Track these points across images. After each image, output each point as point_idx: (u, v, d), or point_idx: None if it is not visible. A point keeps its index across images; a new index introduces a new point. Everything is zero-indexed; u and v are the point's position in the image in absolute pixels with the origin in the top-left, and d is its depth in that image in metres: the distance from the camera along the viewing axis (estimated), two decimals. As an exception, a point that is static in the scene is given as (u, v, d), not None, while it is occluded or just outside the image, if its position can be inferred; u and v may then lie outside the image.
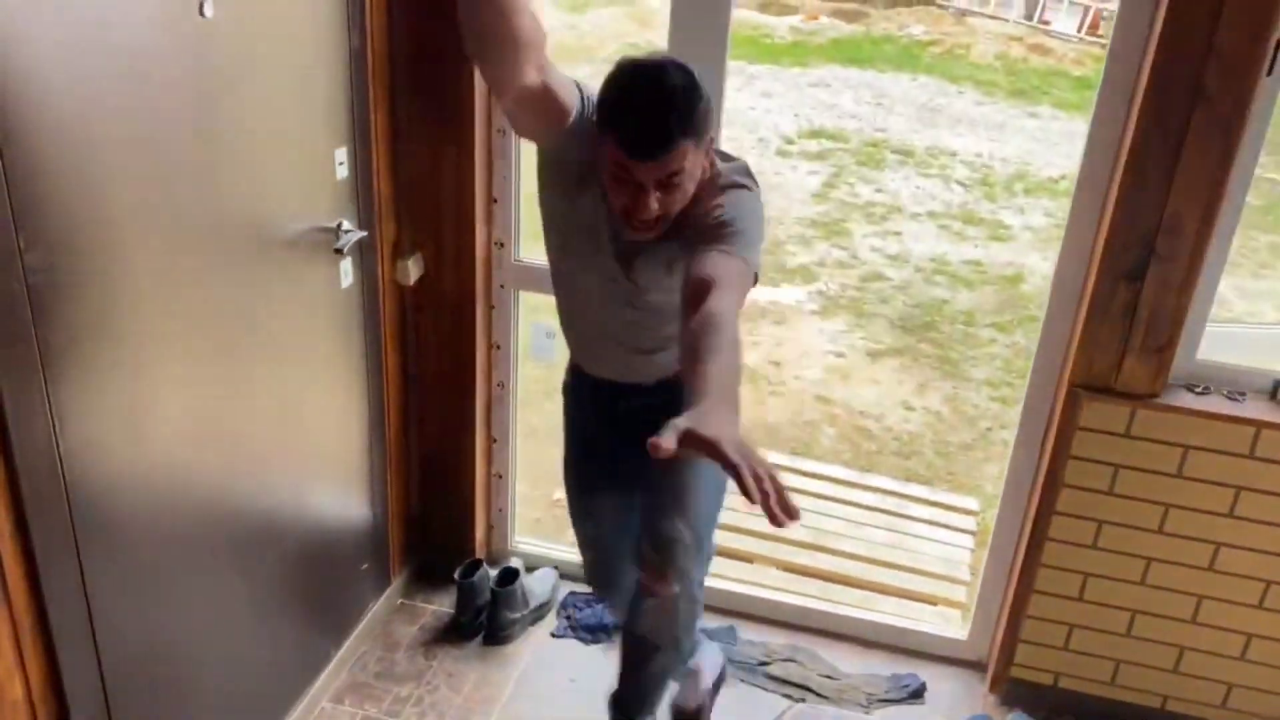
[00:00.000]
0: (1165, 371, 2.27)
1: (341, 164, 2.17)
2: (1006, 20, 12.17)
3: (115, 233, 1.63)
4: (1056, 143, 8.72)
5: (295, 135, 2.04)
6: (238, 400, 2.01)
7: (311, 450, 2.32)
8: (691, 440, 1.16)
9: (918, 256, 6.40)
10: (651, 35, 10.45)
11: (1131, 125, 2.11)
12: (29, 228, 1.44)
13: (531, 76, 1.54)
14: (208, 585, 2.01)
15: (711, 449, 1.15)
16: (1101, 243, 2.20)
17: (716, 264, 1.53)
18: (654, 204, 1.58)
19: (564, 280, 1.94)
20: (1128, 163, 2.12)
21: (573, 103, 1.64)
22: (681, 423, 1.17)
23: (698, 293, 1.49)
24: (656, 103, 1.52)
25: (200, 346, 1.87)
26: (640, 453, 1.90)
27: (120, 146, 1.60)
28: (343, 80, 2.14)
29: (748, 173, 1.74)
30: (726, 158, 1.75)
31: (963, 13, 12.51)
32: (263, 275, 2.02)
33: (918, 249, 6.51)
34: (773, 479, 1.12)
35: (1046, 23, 12.06)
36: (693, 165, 1.58)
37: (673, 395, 1.84)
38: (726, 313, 1.44)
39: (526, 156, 2.32)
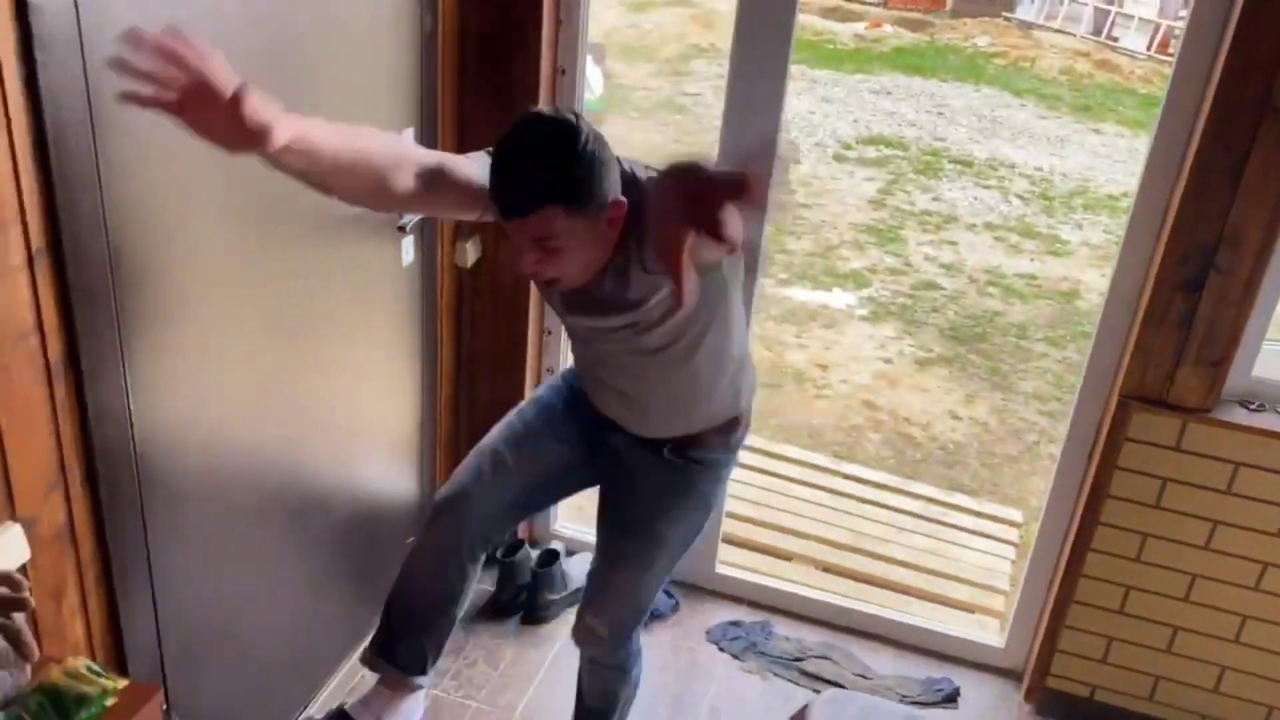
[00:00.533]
0: (1219, 386, 2.25)
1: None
2: (1074, 35, 12.02)
3: (188, 204, 1.68)
4: (1120, 160, 8.60)
5: (367, 113, 2.10)
6: (297, 372, 2.06)
7: (365, 424, 2.38)
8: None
9: (972, 267, 6.35)
10: (714, 37, 10.47)
11: (1197, 136, 2.09)
12: (112, 196, 1.51)
13: (404, 183, 1.51)
14: (260, 549, 2.07)
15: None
16: (1160, 252, 2.19)
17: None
18: (531, 263, 1.52)
19: (570, 332, 1.90)
20: (1191, 174, 2.11)
21: (476, 178, 1.59)
22: None
23: None
24: (523, 165, 1.47)
25: (264, 318, 1.93)
26: (615, 494, 1.96)
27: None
28: (414, 62, 2.19)
29: None
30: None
31: (1029, 25, 12.37)
32: (327, 250, 2.08)
33: (972, 259, 6.46)
34: None
35: (1115, 39, 11.89)
36: (572, 229, 1.49)
37: (677, 458, 1.87)
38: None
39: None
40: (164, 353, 1.69)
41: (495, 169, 1.50)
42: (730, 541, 3.17)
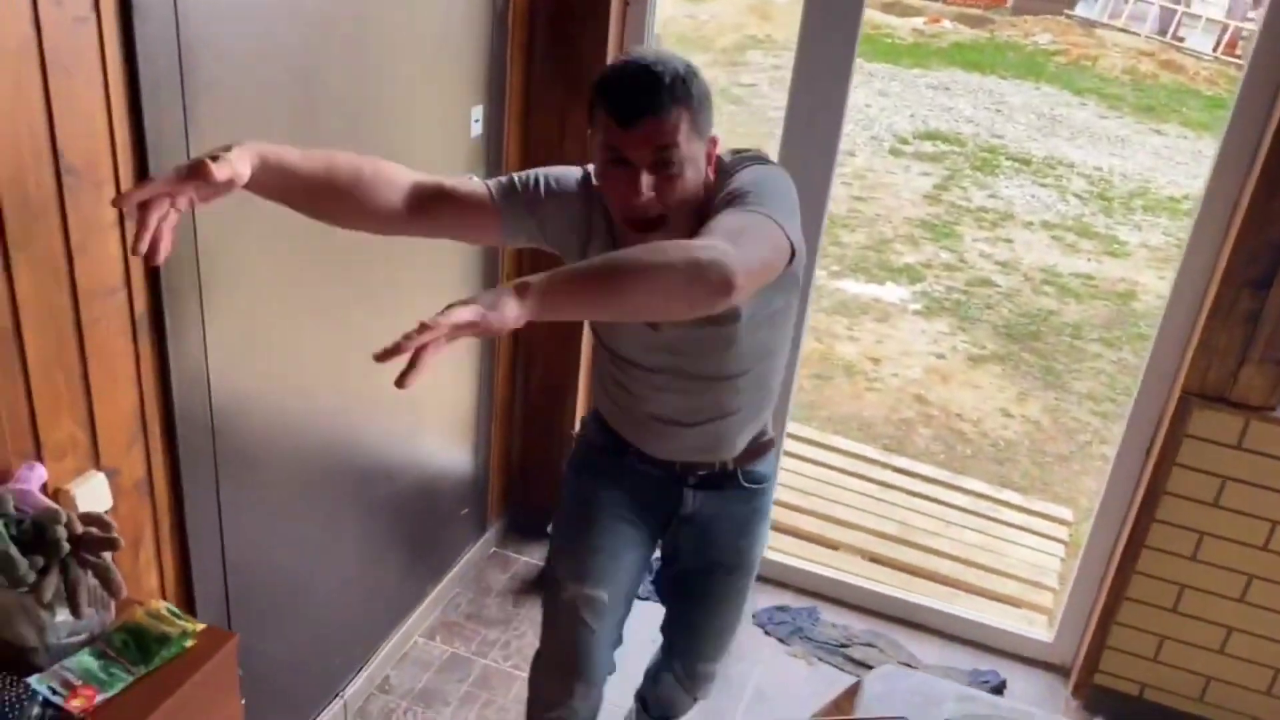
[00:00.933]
0: (1284, 385, 2.22)
1: (477, 121, 2.26)
2: (1138, 34, 11.80)
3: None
4: (1182, 162, 8.45)
5: (438, 91, 2.14)
6: (362, 346, 2.10)
7: (425, 397, 2.43)
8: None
9: (1027, 265, 6.28)
10: (771, 28, 10.44)
11: (1268, 136, 2.07)
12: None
13: (393, 201, 1.48)
14: (323, 513, 2.12)
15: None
16: (1229, 250, 2.16)
17: (717, 220, 1.36)
18: (648, 187, 1.41)
19: (604, 353, 1.75)
20: (1262, 172, 2.08)
21: (479, 189, 1.55)
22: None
23: None
24: (649, 71, 1.41)
25: (332, 289, 1.98)
26: (690, 575, 1.89)
27: (279, 88, 1.70)
28: (485, 40, 2.22)
29: (761, 154, 1.58)
30: (740, 152, 1.59)
31: (1092, 24, 12.17)
32: (396, 221, 2.12)
33: (1028, 258, 6.39)
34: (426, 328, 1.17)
35: (1180, 39, 11.66)
36: (689, 150, 1.43)
37: (735, 503, 1.79)
38: (684, 242, 1.28)
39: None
40: (239, 317, 1.75)
41: (615, 82, 1.42)
42: (777, 529, 3.18)
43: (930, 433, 4.39)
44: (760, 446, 1.79)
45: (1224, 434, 2.26)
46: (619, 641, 1.91)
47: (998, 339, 5.36)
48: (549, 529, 2.03)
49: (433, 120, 2.16)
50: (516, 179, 1.58)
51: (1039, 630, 2.84)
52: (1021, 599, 3.13)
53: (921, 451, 4.21)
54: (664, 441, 1.74)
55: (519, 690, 2.46)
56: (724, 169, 1.52)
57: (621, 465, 1.79)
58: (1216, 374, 2.24)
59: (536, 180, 1.58)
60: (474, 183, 1.57)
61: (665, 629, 2.02)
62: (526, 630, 2.65)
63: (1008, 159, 8.13)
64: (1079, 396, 4.84)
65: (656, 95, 1.39)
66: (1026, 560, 3.34)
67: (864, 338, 5.19)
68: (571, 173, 1.61)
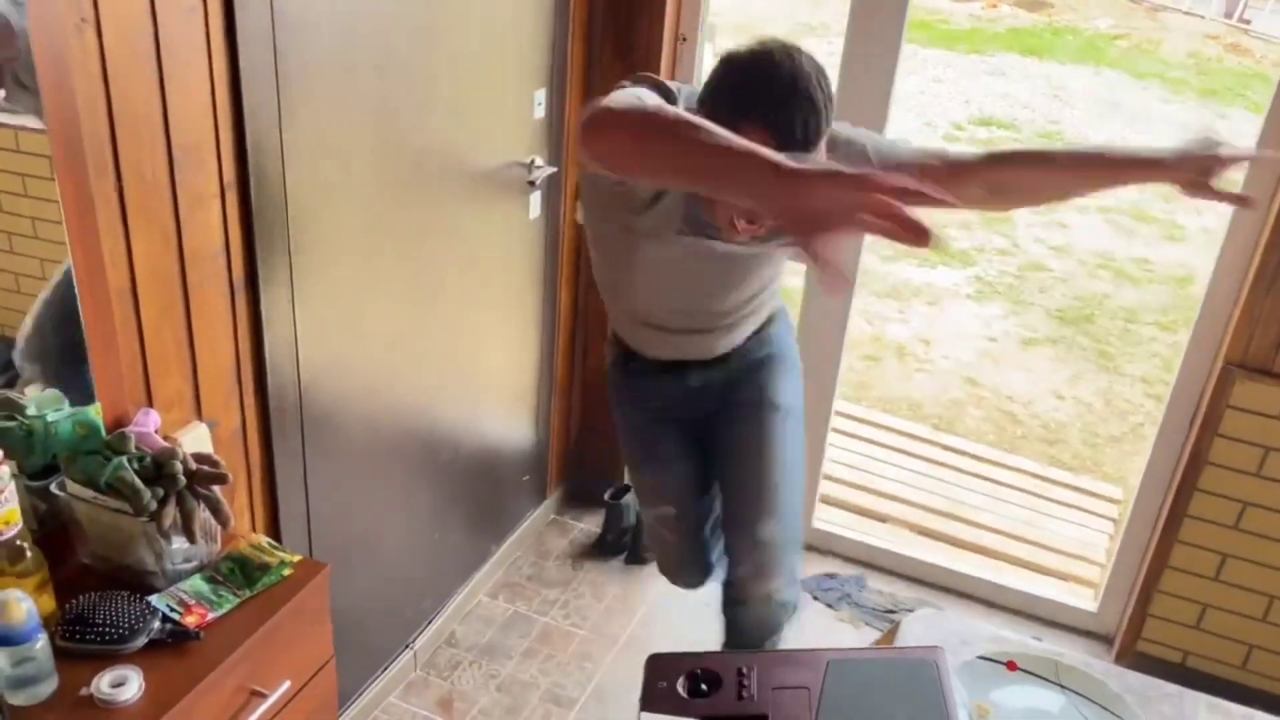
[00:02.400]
0: (1327, 356, 2.26)
1: (540, 104, 2.39)
2: (1203, 17, 11.57)
3: (349, 156, 1.87)
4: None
5: (503, 75, 2.26)
6: (433, 318, 2.25)
7: (490, 369, 2.56)
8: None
9: (1082, 250, 6.26)
10: (825, 15, 10.43)
11: (1313, 106, 2.11)
12: (289, 140, 1.69)
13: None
14: (395, 474, 2.27)
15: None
16: (1273, 220, 2.21)
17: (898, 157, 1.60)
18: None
19: (627, 272, 1.83)
20: (1306, 144, 2.13)
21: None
22: None
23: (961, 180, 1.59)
24: (808, 93, 1.39)
25: (406, 263, 2.11)
26: (722, 427, 1.99)
27: (359, 73, 1.84)
28: (548, 25, 2.34)
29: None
30: None
31: (1155, 7, 11.96)
32: (463, 204, 2.25)
33: (1083, 242, 6.37)
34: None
35: (1247, 22, 11.40)
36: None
37: (744, 360, 1.95)
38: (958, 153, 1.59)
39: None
40: (325, 285, 1.89)
41: (775, 106, 1.38)
42: (826, 502, 3.26)
43: (980, 413, 4.44)
44: (753, 335, 1.94)
45: (1267, 405, 2.31)
46: (715, 532, 2.11)
47: (1050, 323, 5.37)
48: None
49: (498, 103, 2.28)
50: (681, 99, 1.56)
51: (1084, 601, 2.90)
52: (1068, 573, 3.18)
53: (971, 431, 4.25)
54: (657, 345, 1.92)
55: (577, 646, 2.60)
56: None
57: (634, 376, 2.01)
58: (1259, 345, 2.29)
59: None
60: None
61: (723, 510, 2.04)
62: (585, 591, 2.78)
63: (1065, 144, 8.06)
64: (1132, 379, 4.85)
65: (818, 130, 1.41)
66: (1074, 537, 3.38)
67: (915, 321, 5.24)
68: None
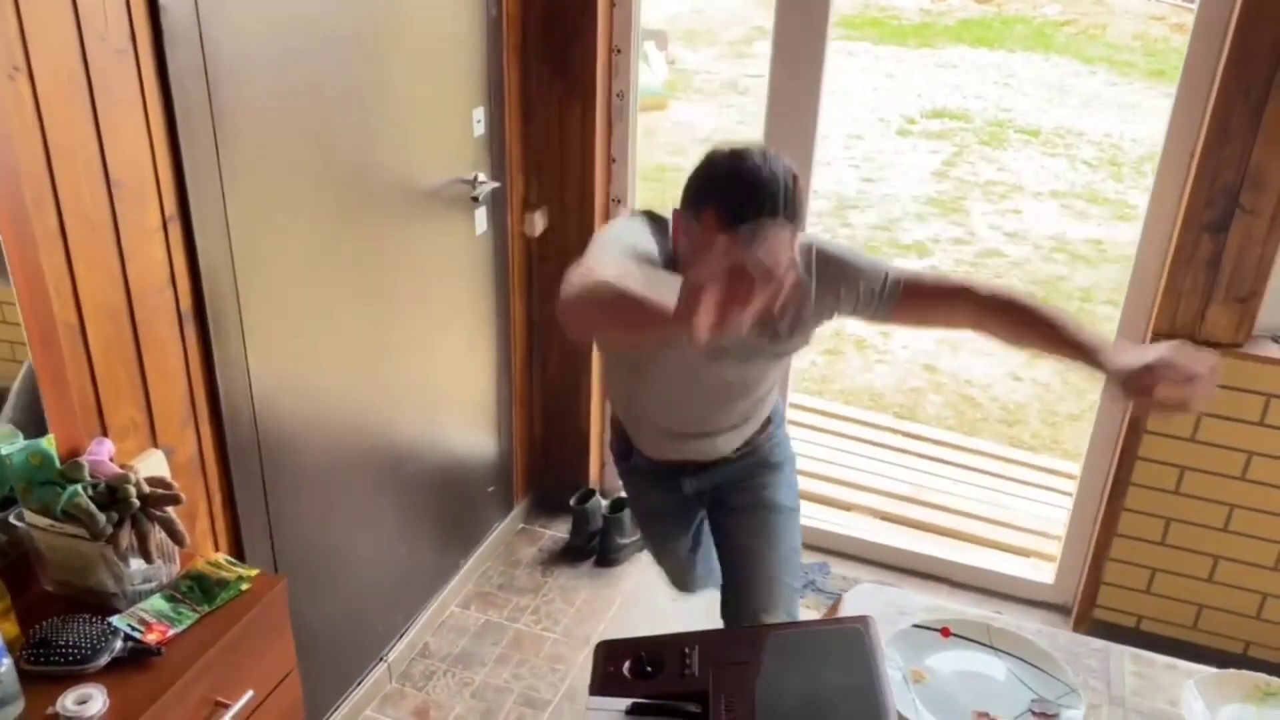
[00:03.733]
0: (1250, 322, 2.35)
1: (479, 122, 2.45)
2: (1148, -1, 11.79)
3: (292, 182, 1.93)
4: (1193, 123, 8.47)
5: (440, 95, 2.33)
6: (384, 337, 2.30)
7: (448, 383, 2.62)
8: (1144, 379, 1.46)
9: (1037, 235, 6.38)
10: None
11: (1216, 84, 2.20)
12: (228, 171, 1.75)
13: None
14: (358, 492, 2.32)
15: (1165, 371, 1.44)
16: (1186, 197, 2.30)
17: (908, 295, 1.71)
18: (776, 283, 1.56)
19: (640, 383, 1.90)
20: (1212, 119, 2.22)
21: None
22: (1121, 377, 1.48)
23: (954, 304, 1.72)
24: (769, 179, 1.50)
25: (355, 284, 2.17)
26: (722, 521, 2.06)
27: (295, 101, 1.90)
28: (481, 46, 2.41)
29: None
30: None
31: (1100, -9, 12.17)
32: (409, 222, 2.31)
33: (1037, 227, 6.49)
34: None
35: (1192, 1, 11.63)
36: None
37: (742, 463, 1.97)
38: (996, 292, 1.67)
39: (642, 119, 2.54)
40: (275, 311, 1.94)
41: (736, 194, 1.50)
42: (819, 502, 3.33)
43: (940, 399, 4.53)
44: (752, 437, 1.97)
45: (1195, 372, 2.39)
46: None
47: (1008, 307, 5.47)
48: None
49: (437, 123, 2.34)
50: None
51: (1044, 574, 2.98)
52: (1029, 549, 3.26)
53: (932, 417, 4.34)
54: (658, 446, 1.96)
55: (549, 649, 2.65)
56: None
57: (632, 472, 2.09)
58: (1184, 315, 2.38)
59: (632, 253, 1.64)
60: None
61: (724, 592, 2.07)
62: (555, 596, 2.84)
63: (1016, 131, 8.21)
64: (1089, 357, 4.94)
65: (774, 215, 1.50)
66: (1034, 513, 3.47)
67: (875, 313, 5.33)
68: (641, 230, 1.67)
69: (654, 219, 1.71)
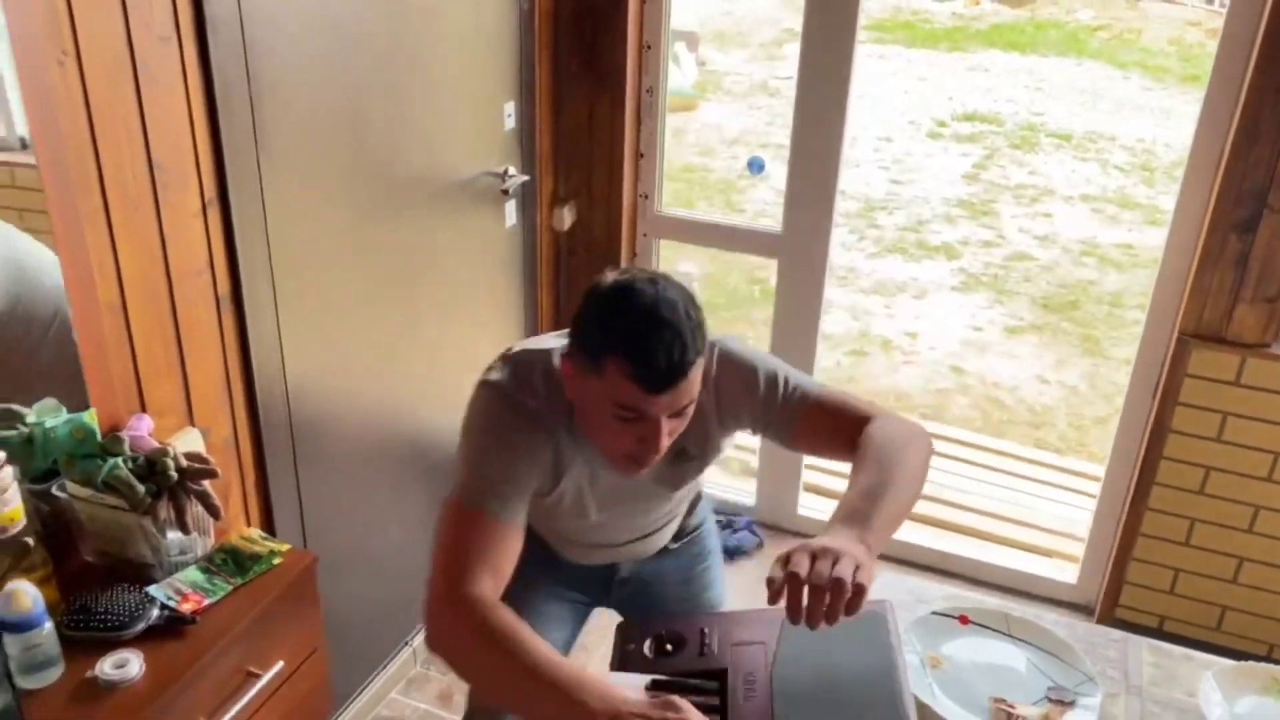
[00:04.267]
0: (1277, 321, 2.34)
1: (510, 115, 2.49)
2: (1184, 4, 11.69)
3: (325, 170, 1.97)
4: (1227, 128, 8.40)
5: (471, 88, 2.37)
6: (414, 326, 2.34)
7: (476, 372, 2.64)
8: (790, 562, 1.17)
9: (1067, 238, 6.35)
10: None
11: (1246, 84, 2.20)
12: (265, 157, 1.80)
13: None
14: (387, 479, 2.36)
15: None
16: (1214, 196, 2.30)
17: (811, 416, 1.45)
18: (668, 438, 1.34)
19: (549, 521, 1.65)
20: (1241, 120, 2.22)
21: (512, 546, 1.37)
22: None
23: (845, 443, 1.44)
24: (676, 332, 1.27)
25: (385, 276, 2.20)
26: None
27: (331, 90, 1.94)
28: (513, 39, 2.45)
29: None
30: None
31: (1136, -4, 12.08)
32: (440, 213, 2.35)
33: (1067, 231, 6.46)
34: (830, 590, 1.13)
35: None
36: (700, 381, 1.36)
37: (677, 556, 1.75)
38: (872, 431, 1.40)
39: (672, 120, 2.56)
40: (308, 298, 1.99)
41: (640, 345, 1.26)
42: (811, 490, 3.35)
43: (967, 401, 4.52)
44: (683, 525, 1.77)
45: (1222, 371, 2.39)
46: None
47: (1035, 310, 5.46)
48: None
49: (468, 117, 2.38)
50: (497, 500, 1.36)
51: (1067, 574, 2.97)
52: (1053, 550, 3.25)
53: (957, 419, 4.34)
54: (586, 556, 1.71)
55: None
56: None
57: (546, 563, 1.70)
58: (1211, 315, 2.38)
59: (514, 476, 1.39)
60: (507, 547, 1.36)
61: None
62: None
63: (1048, 136, 8.17)
64: (1117, 362, 4.93)
65: (685, 357, 1.28)
66: (1058, 514, 3.46)
67: (901, 315, 5.33)
68: (518, 422, 1.41)
69: (528, 368, 1.44)
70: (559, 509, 1.53)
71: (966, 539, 3.25)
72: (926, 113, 8.55)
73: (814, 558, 1.16)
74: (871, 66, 9.25)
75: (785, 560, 1.17)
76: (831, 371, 4.63)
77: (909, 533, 3.17)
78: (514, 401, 1.41)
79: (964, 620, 1.58)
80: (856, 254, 6.03)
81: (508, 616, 1.24)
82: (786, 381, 1.46)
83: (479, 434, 1.41)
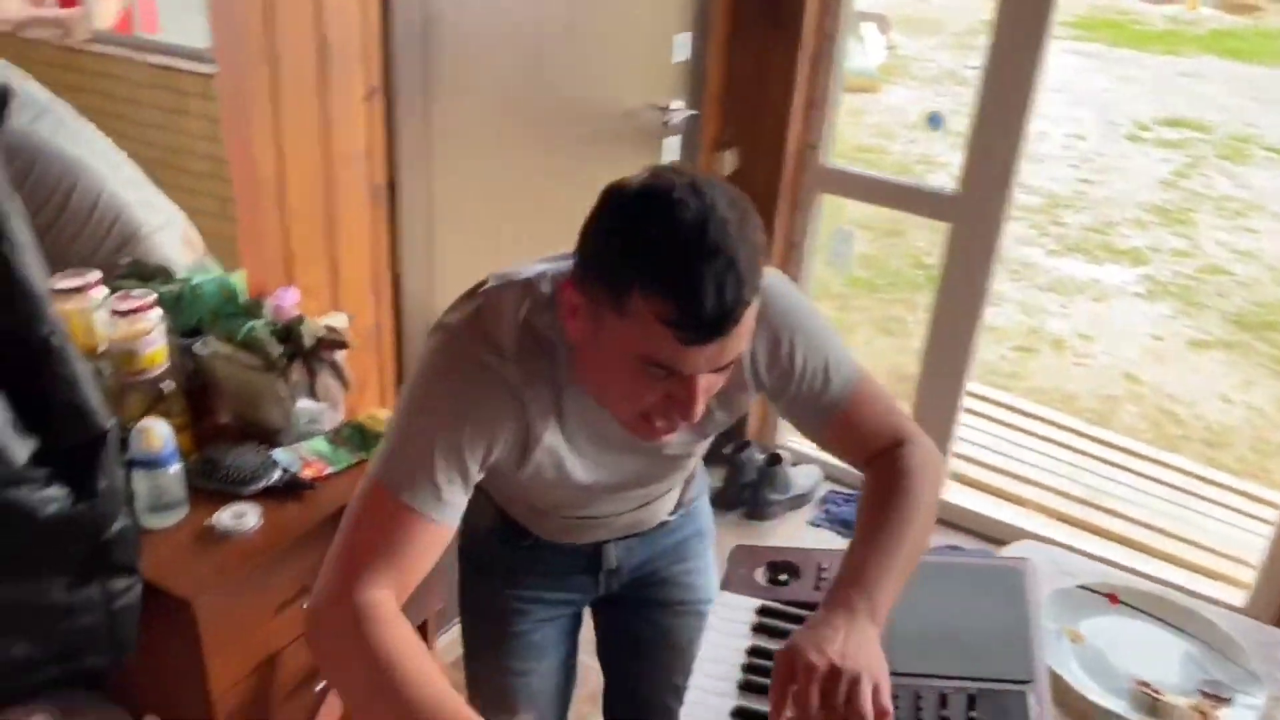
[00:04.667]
0: None
1: (682, 47, 2.43)
2: None
3: (491, 79, 1.96)
4: None
5: (643, 15, 2.32)
6: (551, 234, 2.31)
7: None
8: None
9: (1272, 256, 5.85)
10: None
11: None
12: (432, 50, 1.80)
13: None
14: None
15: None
16: None
17: (835, 425, 1.20)
18: (702, 402, 1.04)
19: (529, 492, 1.31)
20: None
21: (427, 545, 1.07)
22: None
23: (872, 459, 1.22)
24: (724, 247, 0.95)
25: (537, 196, 2.18)
26: (628, 616, 1.48)
27: (510, 35, 1.93)
28: (694, -31, 2.39)
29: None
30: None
31: (1380, 8, 11.02)
32: (597, 142, 2.32)
33: (1273, 249, 5.95)
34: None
35: None
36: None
37: (670, 535, 1.46)
38: (901, 465, 1.18)
39: (852, 100, 2.45)
40: (459, 201, 1.99)
41: (682, 276, 0.94)
42: (958, 480, 3.18)
43: (1137, 410, 4.22)
44: (679, 503, 1.48)
45: None
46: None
47: (1226, 327, 5.04)
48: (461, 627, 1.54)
49: (636, 46, 2.34)
50: (425, 493, 1.05)
51: (1231, 596, 2.72)
52: (1218, 572, 2.99)
53: (1126, 428, 4.05)
54: (566, 533, 1.40)
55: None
56: None
57: (520, 551, 1.41)
58: None
59: (454, 464, 1.07)
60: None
61: (605, 705, 1.61)
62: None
63: (1262, 149, 7.55)
64: (1316, 390, 4.50)
65: (740, 295, 0.96)
66: (1227, 536, 3.18)
67: (1077, 315, 5.03)
68: (473, 390, 1.08)
69: (494, 311, 1.11)
70: (538, 481, 1.20)
71: (1117, 546, 3.02)
72: (1127, 114, 8.04)
73: (824, 686, 1.00)
74: (1066, 61, 8.75)
75: (789, 681, 1.01)
76: (995, 365, 4.41)
77: (1055, 532, 2.97)
78: (470, 357, 1.07)
79: (1114, 599, 1.44)
80: (1036, 250, 5.72)
81: (397, 635, 0.99)
82: (826, 368, 1.19)
83: (422, 396, 1.08)
